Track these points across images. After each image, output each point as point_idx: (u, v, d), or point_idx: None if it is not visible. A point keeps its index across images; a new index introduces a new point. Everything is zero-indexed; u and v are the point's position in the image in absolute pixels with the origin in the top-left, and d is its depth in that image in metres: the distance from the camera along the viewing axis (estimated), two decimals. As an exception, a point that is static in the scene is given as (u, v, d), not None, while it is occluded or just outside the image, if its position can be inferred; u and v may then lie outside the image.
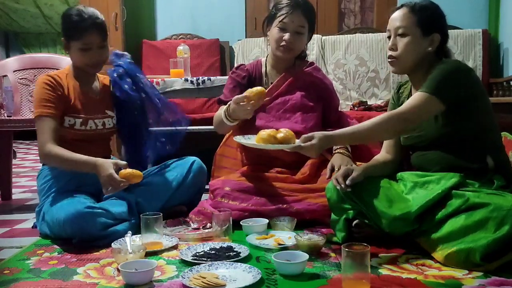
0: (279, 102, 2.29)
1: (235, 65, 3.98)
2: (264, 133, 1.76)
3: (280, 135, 1.74)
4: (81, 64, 2.10)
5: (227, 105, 2.13)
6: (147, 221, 1.79)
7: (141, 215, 1.82)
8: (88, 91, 2.17)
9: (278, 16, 2.23)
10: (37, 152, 2.02)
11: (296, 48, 2.27)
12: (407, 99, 1.85)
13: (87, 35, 2.02)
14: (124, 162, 1.95)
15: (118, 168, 1.90)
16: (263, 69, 2.39)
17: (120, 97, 2.20)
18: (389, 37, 1.87)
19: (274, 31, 2.25)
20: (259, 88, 2.04)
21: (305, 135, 1.67)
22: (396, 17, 1.83)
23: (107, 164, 1.89)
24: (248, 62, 2.53)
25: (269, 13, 2.32)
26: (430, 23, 1.81)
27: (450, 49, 1.90)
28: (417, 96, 1.72)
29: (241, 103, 2.02)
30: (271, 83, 2.34)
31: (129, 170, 1.90)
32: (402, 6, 1.86)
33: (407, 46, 1.80)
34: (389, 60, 1.86)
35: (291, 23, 2.21)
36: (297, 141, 1.68)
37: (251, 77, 2.37)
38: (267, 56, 2.41)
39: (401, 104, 1.88)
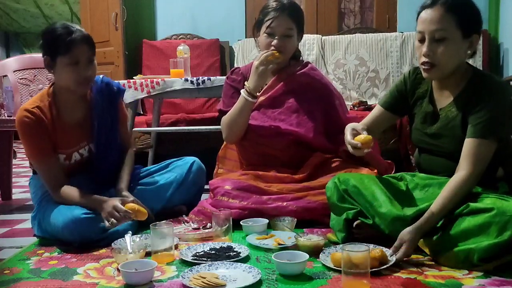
0: (274, 104, 2.28)
1: (235, 65, 4.02)
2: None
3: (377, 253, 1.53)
4: (69, 82, 1.92)
5: (245, 85, 2.18)
6: (158, 231, 1.68)
7: (150, 225, 1.70)
8: (70, 119, 2.01)
9: (265, 22, 2.21)
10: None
11: (286, 51, 2.24)
12: (427, 96, 1.79)
13: (76, 48, 1.88)
14: (132, 198, 1.92)
15: (124, 203, 1.87)
16: None
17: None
18: (420, 40, 1.66)
19: (262, 37, 2.24)
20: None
21: (395, 246, 1.56)
22: (432, 18, 1.61)
23: (113, 199, 1.87)
24: (248, 62, 2.53)
25: (257, 18, 2.30)
26: (470, 23, 1.63)
27: (477, 48, 1.74)
28: (473, 146, 1.60)
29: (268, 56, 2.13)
30: (266, 85, 2.33)
31: (135, 205, 1.86)
32: (435, 2, 1.63)
33: (447, 52, 1.61)
34: (424, 67, 1.66)
35: (278, 27, 2.19)
36: (392, 258, 1.54)
37: (246, 80, 2.36)
38: None
39: (414, 96, 1.83)
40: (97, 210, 1.86)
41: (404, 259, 1.56)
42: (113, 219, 1.81)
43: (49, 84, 2.19)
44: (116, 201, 1.85)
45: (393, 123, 1.95)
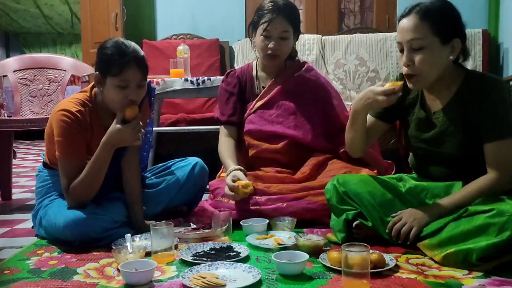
0: (271, 106, 2.28)
1: (235, 65, 4.01)
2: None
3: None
4: (114, 103, 1.87)
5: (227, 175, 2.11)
6: (158, 231, 1.67)
7: (151, 225, 1.69)
8: (104, 126, 1.94)
9: (261, 24, 2.19)
10: (37, 152, 2.01)
11: (282, 53, 2.24)
12: (418, 102, 1.77)
13: (127, 72, 1.82)
14: (120, 114, 1.86)
15: (122, 118, 1.85)
16: (254, 73, 2.38)
17: None
18: (401, 51, 1.63)
19: (258, 39, 2.23)
20: (248, 190, 2.02)
21: (393, 221, 1.67)
22: (407, 28, 1.59)
23: (111, 128, 1.83)
24: (248, 62, 2.53)
25: (252, 19, 2.28)
26: (448, 28, 1.59)
27: (467, 48, 1.70)
28: (496, 150, 1.59)
29: (231, 192, 2.05)
30: (263, 87, 2.33)
31: (132, 108, 1.84)
32: (410, 11, 1.61)
33: (426, 60, 1.58)
34: (407, 77, 1.64)
35: (274, 30, 2.18)
36: (390, 263, 1.53)
37: (242, 83, 2.36)
38: (257, 59, 2.39)
39: (405, 103, 1.81)
40: (123, 144, 1.87)
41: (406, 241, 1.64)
42: (140, 132, 1.86)
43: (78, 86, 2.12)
44: (118, 125, 1.83)
45: (387, 129, 1.94)
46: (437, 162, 1.77)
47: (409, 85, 1.68)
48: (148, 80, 2.13)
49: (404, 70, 1.64)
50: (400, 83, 1.64)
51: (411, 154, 1.94)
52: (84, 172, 1.85)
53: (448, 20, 1.61)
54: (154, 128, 3.11)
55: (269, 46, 2.19)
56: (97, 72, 1.88)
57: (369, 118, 1.88)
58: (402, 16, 1.64)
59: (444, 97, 1.71)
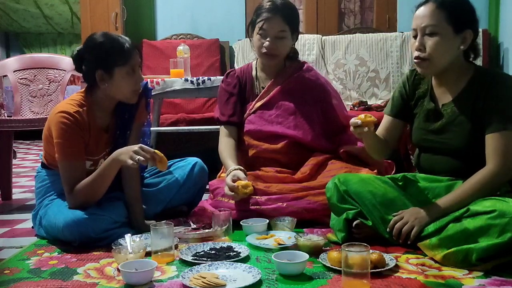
0: (271, 106, 2.28)
1: (235, 65, 4.01)
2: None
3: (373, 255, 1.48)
4: (127, 92, 1.92)
5: (227, 175, 2.10)
6: (158, 231, 1.67)
7: (151, 225, 1.69)
8: (103, 127, 2.00)
9: (258, 23, 2.20)
10: (37, 152, 2.01)
11: (279, 53, 2.23)
12: (428, 94, 1.79)
13: (132, 56, 1.90)
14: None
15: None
16: (254, 73, 2.38)
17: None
18: (414, 36, 1.69)
19: (255, 38, 2.23)
20: (247, 190, 2.02)
21: (395, 220, 1.68)
22: (423, 14, 1.65)
23: (129, 147, 1.83)
24: (248, 62, 2.52)
25: (251, 18, 2.28)
26: (462, 19, 1.65)
27: (478, 44, 1.75)
28: (498, 140, 1.61)
29: (231, 192, 2.04)
30: (262, 87, 2.33)
31: (159, 165, 1.82)
32: (427, 0, 1.69)
33: (437, 46, 1.63)
34: (416, 61, 1.69)
35: (271, 29, 2.17)
36: (390, 263, 1.52)
37: (241, 83, 2.36)
38: (257, 59, 2.39)
39: (414, 96, 1.84)
40: (120, 159, 1.80)
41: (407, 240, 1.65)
42: (139, 156, 1.76)
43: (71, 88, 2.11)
44: (136, 146, 1.81)
45: (405, 128, 1.94)
46: (442, 154, 1.77)
47: (419, 69, 1.73)
48: (145, 81, 2.15)
49: (416, 54, 1.68)
50: (372, 120, 1.66)
51: (415, 152, 1.94)
52: (91, 178, 1.86)
53: (463, 10, 1.68)
54: (154, 128, 3.11)
55: (264, 45, 2.19)
56: (98, 71, 1.88)
57: (388, 119, 1.91)
58: (420, 5, 1.70)
59: (454, 90, 1.74)
